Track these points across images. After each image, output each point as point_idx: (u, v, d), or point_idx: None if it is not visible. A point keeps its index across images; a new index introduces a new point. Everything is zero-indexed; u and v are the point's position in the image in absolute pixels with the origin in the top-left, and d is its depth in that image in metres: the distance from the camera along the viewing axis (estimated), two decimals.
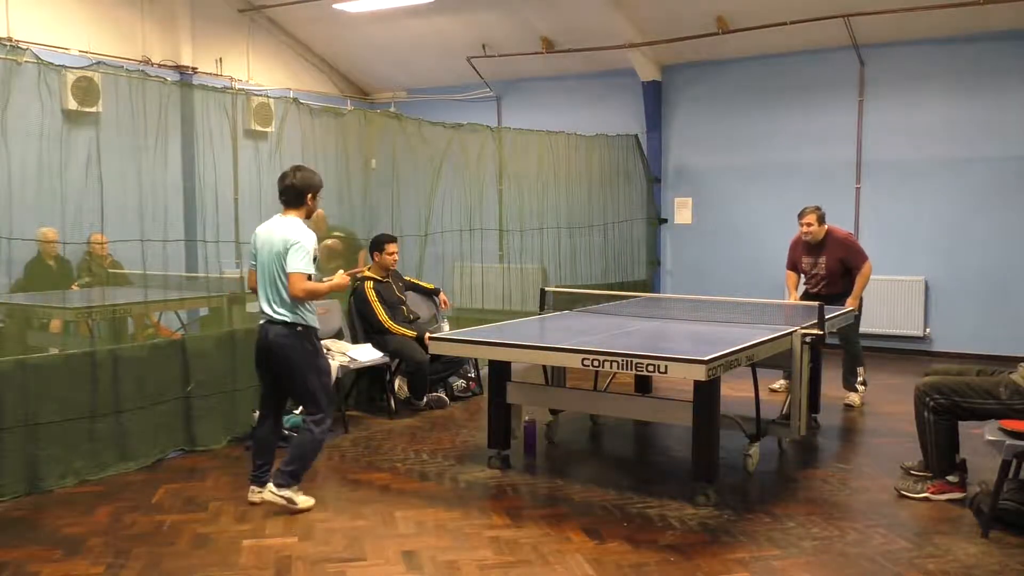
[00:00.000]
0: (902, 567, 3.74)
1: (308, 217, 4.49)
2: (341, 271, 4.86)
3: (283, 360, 4.38)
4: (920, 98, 8.86)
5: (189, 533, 4.15)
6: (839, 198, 8.99)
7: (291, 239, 4.28)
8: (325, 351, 6.18)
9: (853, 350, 6.83)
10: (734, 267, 9.73)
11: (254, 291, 4.54)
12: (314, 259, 4.36)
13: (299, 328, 4.37)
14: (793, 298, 6.94)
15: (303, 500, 4.43)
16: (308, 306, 4.41)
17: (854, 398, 6.80)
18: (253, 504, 4.50)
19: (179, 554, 3.90)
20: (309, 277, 4.31)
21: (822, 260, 6.71)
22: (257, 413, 4.77)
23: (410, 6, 9.68)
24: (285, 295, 4.32)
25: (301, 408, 4.81)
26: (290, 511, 4.37)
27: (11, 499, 4.56)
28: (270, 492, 4.39)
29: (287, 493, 4.38)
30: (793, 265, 7.03)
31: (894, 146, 9.00)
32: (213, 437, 5.60)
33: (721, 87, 9.97)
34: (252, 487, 4.55)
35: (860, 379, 6.87)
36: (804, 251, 6.84)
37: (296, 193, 4.41)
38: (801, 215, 6.76)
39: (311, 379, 4.41)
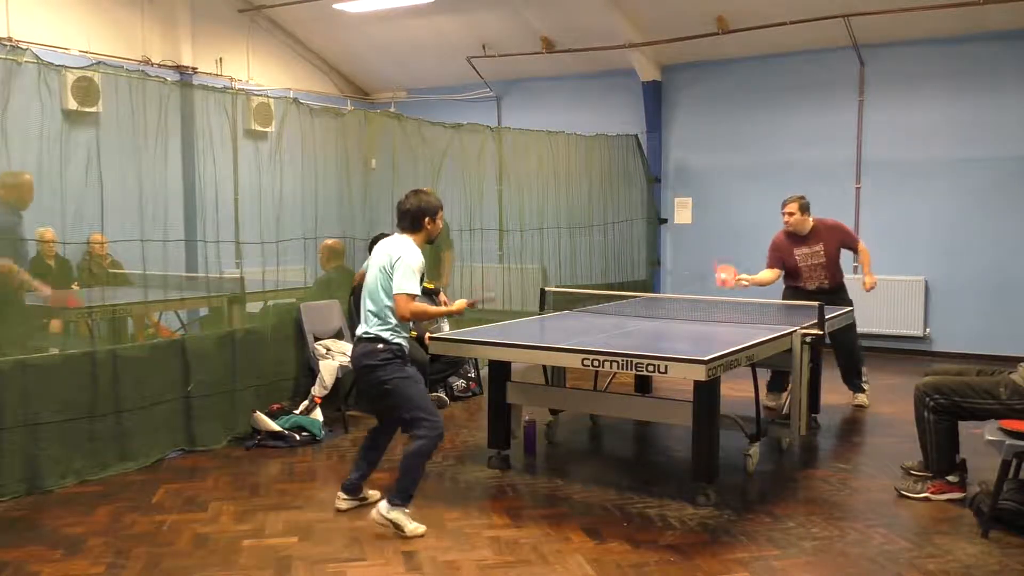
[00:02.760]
0: (902, 567, 3.74)
1: (429, 242, 4.36)
2: (463, 299, 4.66)
3: (373, 382, 4.21)
4: (920, 98, 8.86)
5: (189, 533, 4.15)
6: (839, 198, 8.99)
7: (395, 254, 4.16)
8: (325, 351, 6.22)
9: (855, 352, 6.76)
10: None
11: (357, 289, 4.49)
12: (421, 279, 4.19)
13: (382, 346, 4.15)
14: (746, 281, 6.54)
15: (413, 528, 4.06)
16: (400, 327, 4.21)
17: (863, 398, 6.77)
18: (339, 511, 4.40)
19: (179, 554, 3.90)
20: (414, 298, 4.15)
21: (819, 248, 6.55)
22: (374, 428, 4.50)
23: (410, 6, 9.68)
24: (381, 311, 4.17)
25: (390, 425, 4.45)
26: (398, 536, 4.06)
27: (11, 499, 4.56)
28: (378, 513, 4.07)
29: (395, 515, 4.05)
30: (778, 264, 6.74)
31: (894, 146, 9.00)
32: (213, 437, 5.60)
33: (721, 87, 9.97)
34: (340, 493, 4.45)
35: (865, 379, 6.85)
36: (794, 242, 6.62)
37: (411, 218, 4.26)
38: (784, 204, 6.62)
39: (407, 395, 4.16)
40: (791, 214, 6.57)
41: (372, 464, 4.46)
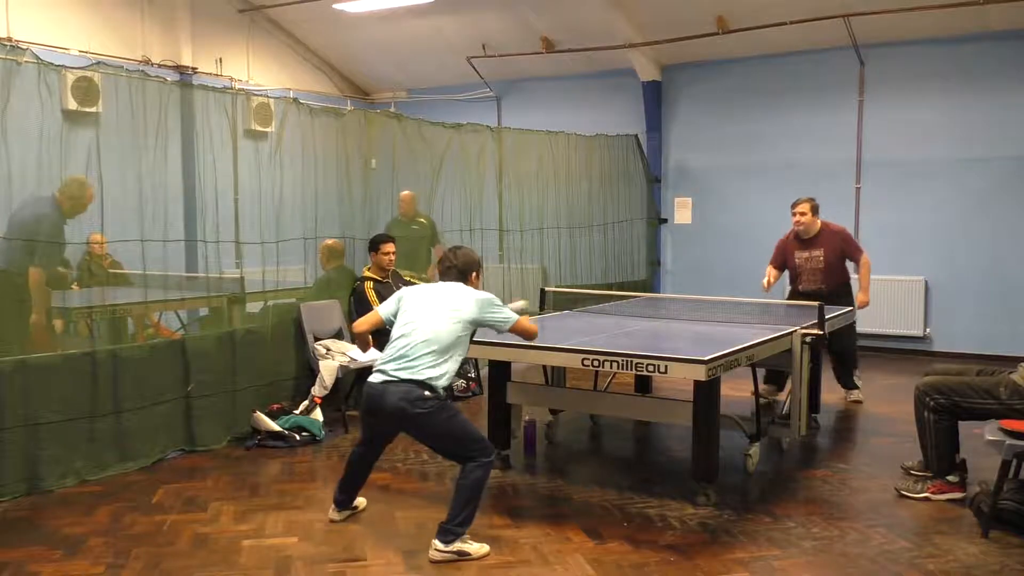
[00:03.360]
0: (902, 567, 3.74)
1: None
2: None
3: (420, 427, 3.97)
4: (920, 98, 8.86)
5: (189, 533, 4.15)
6: (839, 198, 8.99)
7: (479, 297, 4.09)
8: (325, 351, 6.22)
9: (851, 353, 6.78)
10: (734, 267, 9.72)
11: (358, 334, 4.36)
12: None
13: (429, 393, 3.91)
14: (769, 278, 6.70)
15: (476, 548, 3.88)
16: (451, 371, 4.03)
17: (857, 394, 6.81)
18: (332, 521, 4.27)
19: (179, 554, 3.90)
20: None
21: (819, 253, 6.59)
22: (359, 447, 4.31)
23: (410, 6, 9.68)
24: (443, 354, 3.96)
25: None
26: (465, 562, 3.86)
27: (11, 499, 4.56)
28: (437, 551, 3.83)
29: (456, 547, 3.84)
30: (780, 264, 6.83)
31: (894, 146, 9.00)
32: (213, 437, 5.60)
33: (721, 87, 9.97)
34: (333, 506, 4.33)
35: (857, 376, 6.88)
36: (798, 246, 6.68)
37: (459, 273, 4.20)
38: (794, 205, 6.66)
39: (456, 434, 3.97)
40: (802, 214, 6.60)
41: (362, 480, 4.31)
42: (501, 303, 4.15)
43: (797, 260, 6.70)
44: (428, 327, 3.99)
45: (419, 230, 7.51)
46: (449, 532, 3.83)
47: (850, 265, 6.79)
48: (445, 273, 4.23)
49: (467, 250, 4.33)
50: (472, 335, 4.16)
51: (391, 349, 4.04)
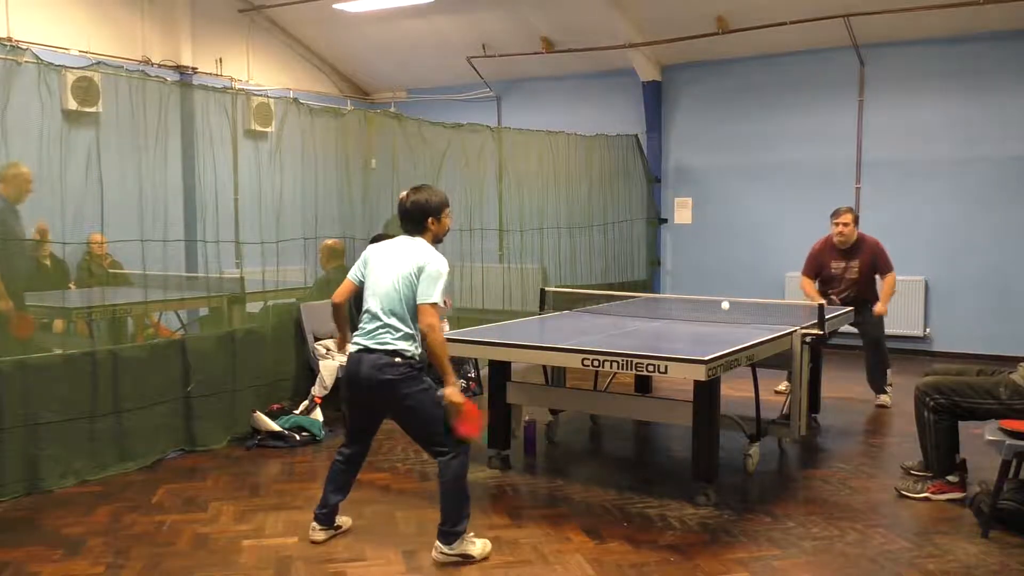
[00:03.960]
0: (902, 567, 3.74)
1: (437, 242, 3.95)
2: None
3: (391, 398, 3.79)
4: (920, 98, 8.86)
5: (189, 533, 4.15)
6: (839, 198, 8.91)
7: (426, 264, 3.76)
8: (325, 351, 6.22)
9: (883, 354, 6.79)
10: (734, 267, 9.73)
11: (336, 306, 4.03)
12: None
13: (407, 359, 3.76)
14: (820, 301, 6.45)
15: (479, 547, 3.82)
16: (418, 337, 3.82)
17: (886, 399, 6.79)
18: (315, 543, 4.00)
19: (179, 554, 3.90)
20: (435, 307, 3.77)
21: (855, 264, 6.61)
22: (344, 448, 4.13)
23: (410, 6, 9.68)
24: (402, 320, 3.77)
25: (430, 449, 3.92)
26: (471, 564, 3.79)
27: (11, 499, 4.56)
28: (441, 554, 3.77)
29: (459, 548, 3.77)
30: (815, 272, 6.77)
31: (894, 146, 9.01)
32: (213, 437, 5.59)
33: (721, 87, 9.97)
34: (314, 524, 4.06)
35: (889, 381, 6.87)
36: (834, 255, 6.66)
37: (412, 220, 3.89)
38: (836, 215, 6.63)
39: (430, 412, 3.77)
40: (845, 225, 6.59)
41: (346, 489, 4.09)
42: (441, 280, 3.76)
43: (833, 270, 6.71)
44: (383, 292, 3.81)
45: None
46: (448, 534, 3.78)
47: None
48: (402, 220, 3.94)
49: (426, 189, 3.95)
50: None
51: (362, 317, 3.89)
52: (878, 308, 6.65)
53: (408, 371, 3.75)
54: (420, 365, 3.81)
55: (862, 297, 6.65)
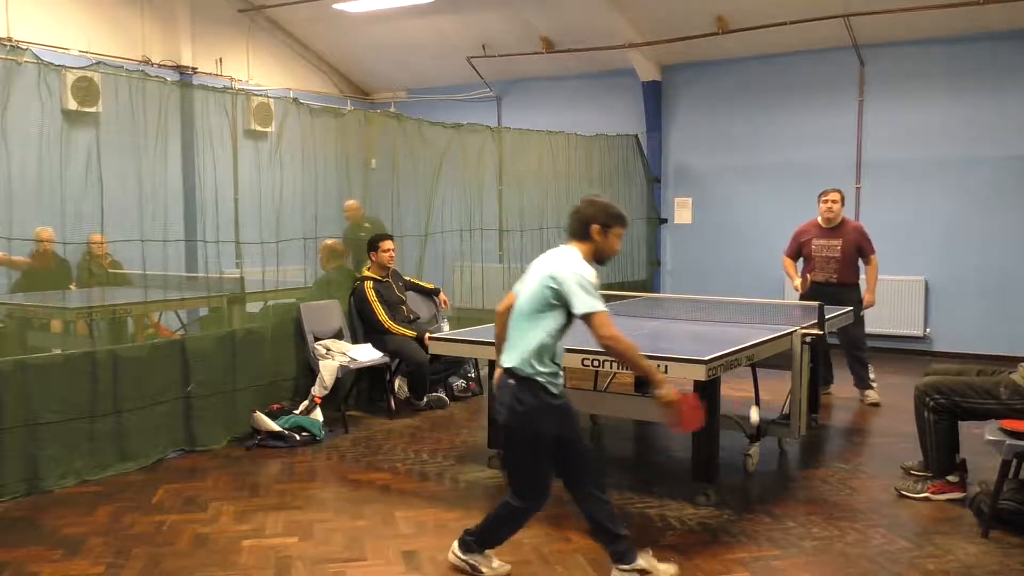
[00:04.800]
0: (902, 567, 3.74)
1: (597, 259, 3.48)
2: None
3: (509, 428, 3.47)
4: (920, 98, 8.86)
5: (189, 533, 4.15)
6: None
7: (556, 270, 3.34)
8: (325, 351, 6.22)
9: (863, 351, 6.83)
10: (734, 267, 9.73)
11: (497, 315, 3.69)
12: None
13: (523, 384, 3.36)
14: (797, 281, 6.90)
15: (494, 569, 3.66)
16: (548, 361, 3.39)
17: (874, 395, 6.82)
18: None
19: (179, 554, 3.90)
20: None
21: (837, 243, 6.73)
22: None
23: (410, 6, 9.69)
24: (528, 340, 3.37)
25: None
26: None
27: (11, 499, 4.56)
28: (453, 555, 3.68)
29: (472, 559, 3.65)
30: (795, 253, 7.00)
31: (894, 146, 9.01)
32: (213, 437, 5.59)
33: (721, 87, 9.97)
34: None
35: (872, 376, 6.91)
36: (817, 234, 6.83)
37: (577, 223, 3.49)
38: (824, 193, 6.82)
39: (525, 456, 3.46)
40: (834, 201, 6.76)
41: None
42: (582, 281, 3.30)
43: (814, 247, 6.83)
44: (521, 305, 3.44)
45: (366, 236, 7.43)
46: (467, 544, 3.66)
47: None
48: (568, 224, 3.54)
49: (602, 203, 3.52)
50: (569, 317, 3.37)
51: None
52: (868, 299, 6.76)
53: (532, 404, 3.35)
54: (545, 393, 3.38)
55: (842, 280, 6.73)
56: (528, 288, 3.46)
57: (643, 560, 3.54)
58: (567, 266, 3.36)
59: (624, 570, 3.52)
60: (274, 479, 5.03)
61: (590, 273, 3.36)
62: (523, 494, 3.52)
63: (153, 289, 5.79)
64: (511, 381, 3.40)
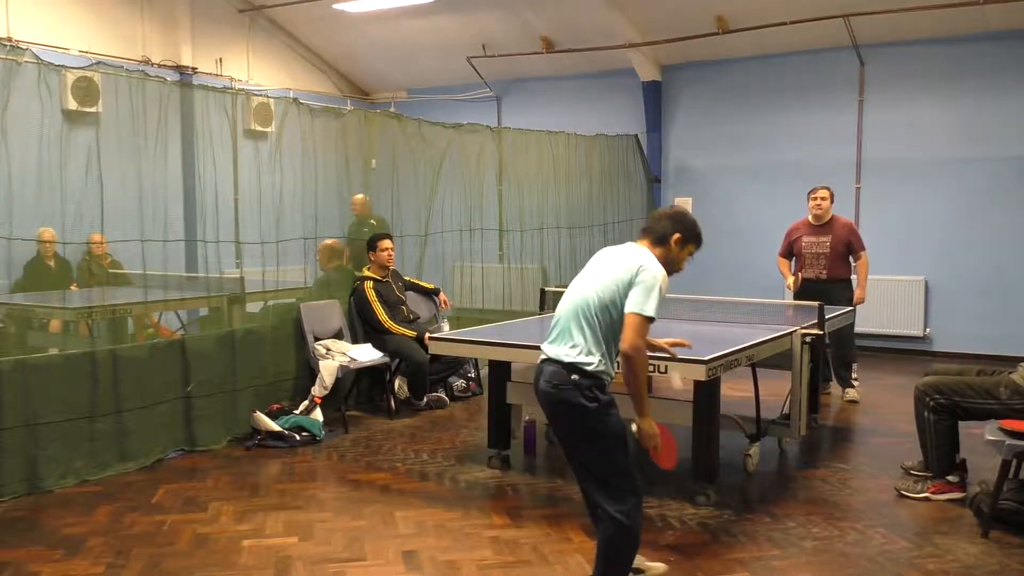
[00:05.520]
0: (902, 567, 3.74)
1: (667, 270, 3.35)
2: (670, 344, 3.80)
3: (567, 419, 3.30)
4: (920, 98, 8.86)
5: (189, 533, 4.15)
6: (839, 198, 8.88)
7: (641, 267, 3.21)
8: (325, 351, 6.22)
9: (850, 350, 6.86)
10: (734, 267, 9.72)
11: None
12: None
13: (576, 377, 3.20)
14: (790, 279, 6.98)
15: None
16: (611, 352, 3.28)
17: (853, 394, 6.86)
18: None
19: (179, 554, 3.90)
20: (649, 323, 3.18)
21: (826, 239, 6.82)
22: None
23: (410, 6, 9.69)
24: (590, 333, 3.23)
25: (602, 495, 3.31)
26: None
27: (11, 499, 4.56)
28: None
29: None
30: (788, 251, 7.09)
31: (894, 146, 9.00)
32: (213, 437, 5.59)
33: (721, 87, 9.97)
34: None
35: (855, 376, 6.97)
36: (807, 231, 6.92)
37: (662, 229, 3.41)
38: (813, 190, 6.93)
39: (612, 448, 3.27)
40: (823, 199, 6.87)
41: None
42: (656, 287, 3.17)
43: (804, 243, 6.91)
44: (579, 299, 3.29)
45: (370, 232, 7.43)
46: None
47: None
48: (649, 227, 3.48)
49: (691, 218, 3.49)
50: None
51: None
52: (859, 295, 6.82)
53: (591, 394, 3.20)
54: (603, 387, 3.25)
55: (832, 276, 6.79)
56: (604, 277, 3.27)
57: (636, 559, 3.55)
58: (656, 266, 3.26)
59: None
60: (274, 479, 5.03)
61: (666, 282, 3.28)
62: (619, 495, 3.24)
63: (153, 289, 5.79)
64: (575, 377, 3.21)
